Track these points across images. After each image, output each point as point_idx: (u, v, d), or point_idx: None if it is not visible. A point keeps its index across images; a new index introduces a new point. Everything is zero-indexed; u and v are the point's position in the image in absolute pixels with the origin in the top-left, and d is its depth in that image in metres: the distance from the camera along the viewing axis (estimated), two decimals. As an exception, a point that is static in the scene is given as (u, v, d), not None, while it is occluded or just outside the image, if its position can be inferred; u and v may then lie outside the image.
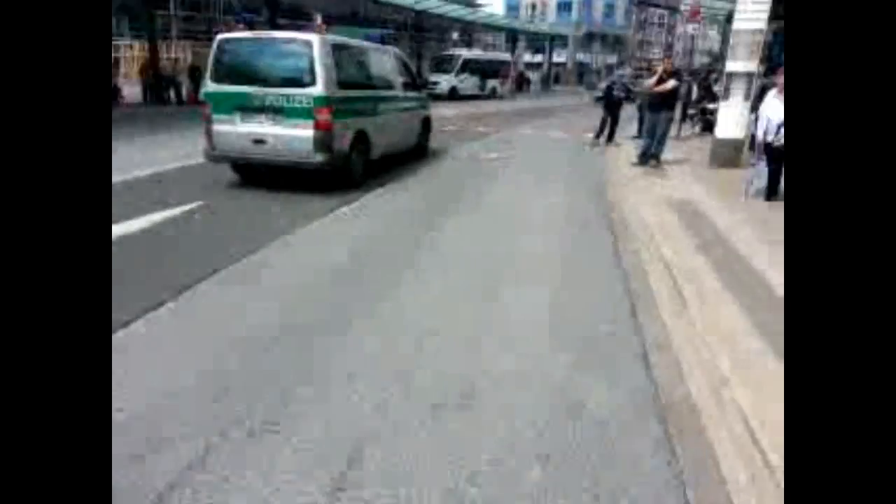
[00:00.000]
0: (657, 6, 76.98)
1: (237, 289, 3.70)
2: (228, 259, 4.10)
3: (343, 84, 6.28)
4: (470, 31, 40.00)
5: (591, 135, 12.07)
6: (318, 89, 5.90)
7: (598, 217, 5.96)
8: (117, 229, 4.55)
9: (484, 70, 29.25)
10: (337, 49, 6.30)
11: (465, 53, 29.02)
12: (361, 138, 6.72)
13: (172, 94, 18.02)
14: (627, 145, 11.64)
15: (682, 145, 10.96)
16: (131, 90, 18.15)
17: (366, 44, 7.48)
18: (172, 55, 23.08)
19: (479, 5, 39.35)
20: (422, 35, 33.45)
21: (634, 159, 8.87)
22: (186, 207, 5.46)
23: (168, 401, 2.36)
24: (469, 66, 27.76)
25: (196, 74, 18.23)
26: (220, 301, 3.49)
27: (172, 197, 5.75)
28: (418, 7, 26.78)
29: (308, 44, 5.95)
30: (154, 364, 2.67)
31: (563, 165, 9.46)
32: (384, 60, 7.82)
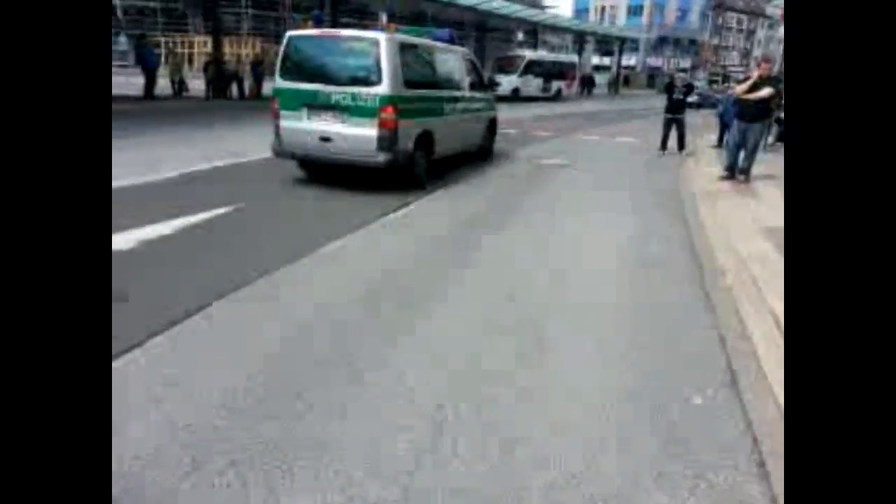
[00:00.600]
0: (736, 10, 73.57)
1: (253, 307, 3.31)
2: (251, 274, 3.72)
3: (410, 83, 6.18)
4: (536, 33, 39.51)
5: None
6: (383, 88, 5.83)
7: (679, 248, 4.91)
8: (171, 224, 4.63)
9: (549, 72, 28.83)
10: (404, 48, 6.22)
11: (528, 54, 28.71)
12: (426, 138, 6.62)
13: (235, 89, 18.56)
14: (708, 154, 10.95)
15: (770, 157, 10.17)
16: (198, 84, 18.85)
17: (434, 43, 7.37)
18: (242, 50, 23.94)
19: (547, 7, 38.89)
20: (485, 35, 33.35)
21: (718, 171, 8.28)
22: (221, 211, 5.13)
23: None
24: (533, 68, 27.41)
25: (258, 70, 18.82)
26: (237, 318, 3.16)
27: (208, 198, 5.48)
28: (483, 7, 26.69)
29: (375, 42, 5.89)
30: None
31: (632, 177, 8.72)
32: (452, 60, 7.72)
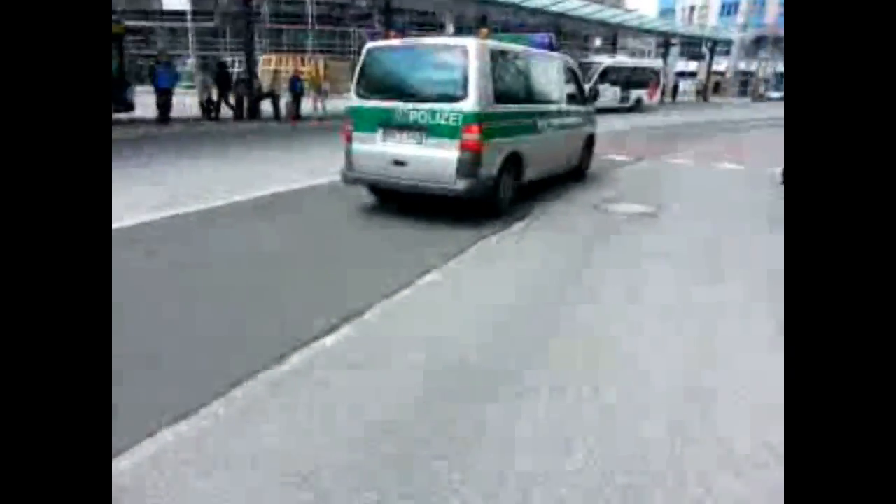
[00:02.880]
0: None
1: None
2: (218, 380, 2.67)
3: (500, 97, 5.70)
4: (615, 37, 38.54)
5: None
6: (469, 104, 5.37)
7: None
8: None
9: (628, 80, 27.76)
10: (496, 57, 5.75)
11: (605, 61, 27.75)
12: (514, 161, 6.10)
13: (271, 107, 17.83)
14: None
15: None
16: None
17: (531, 50, 6.90)
18: (305, 68, 24.42)
19: (629, 11, 37.92)
20: (560, 41, 32.82)
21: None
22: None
23: None
24: (609, 76, 26.42)
25: (299, 86, 18.15)
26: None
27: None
28: (556, 9, 26.09)
29: (464, 51, 5.45)
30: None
31: (760, 244, 5.29)
32: (550, 69, 7.21)
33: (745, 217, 6.45)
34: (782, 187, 7.30)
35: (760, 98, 50.36)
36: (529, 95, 6.52)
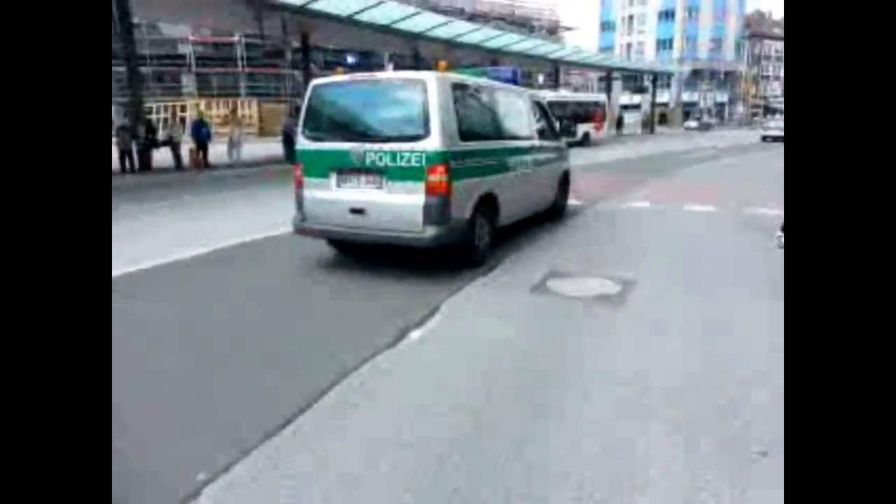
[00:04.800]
0: (774, 38, 75.08)
1: None
2: None
3: (467, 134, 5.42)
4: (557, 72, 40.01)
5: (764, 210, 8.44)
6: (432, 142, 5.04)
7: None
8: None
9: (574, 113, 28.59)
10: (459, 91, 5.50)
11: (548, 95, 28.56)
12: (489, 202, 5.79)
13: (171, 155, 16.56)
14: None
15: None
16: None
17: (495, 84, 6.71)
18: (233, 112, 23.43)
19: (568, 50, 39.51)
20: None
21: None
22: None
23: None
24: (554, 111, 26.88)
25: (202, 132, 16.89)
26: None
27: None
28: (491, 45, 26.67)
29: (422, 85, 5.16)
30: None
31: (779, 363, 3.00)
32: (518, 103, 7.04)
33: (745, 295, 4.70)
34: (779, 236, 6.14)
35: (708, 127, 53.25)
36: (499, 131, 6.28)
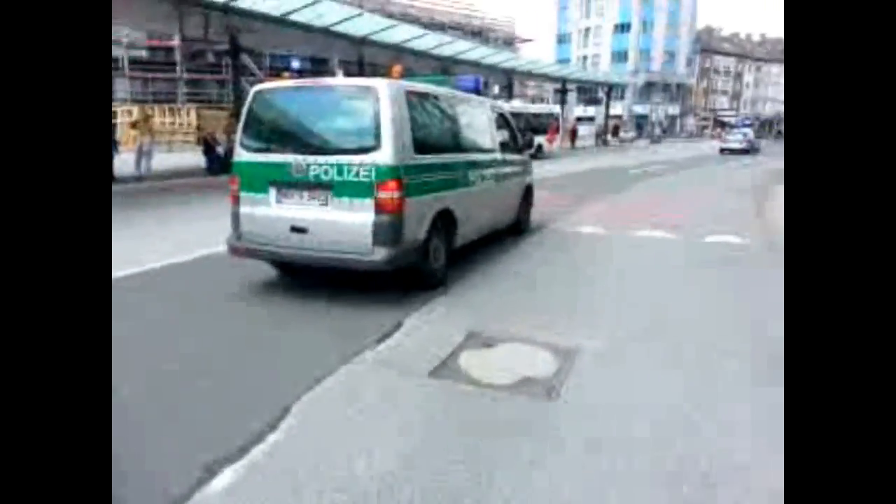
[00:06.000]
0: (723, 53, 78.53)
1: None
2: None
3: (423, 146, 5.11)
4: (511, 83, 40.26)
5: (735, 239, 7.57)
6: (384, 155, 4.70)
7: None
8: None
9: (528, 124, 28.65)
10: (414, 99, 5.19)
11: (504, 106, 28.49)
12: (445, 220, 5.50)
13: None
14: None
15: None
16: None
17: (455, 92, 6.44)
18: (167, 119, 22.13)
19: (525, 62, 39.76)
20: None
21: None
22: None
23: None
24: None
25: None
26: None
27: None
28: (443, 52, 26.33)
29: (374, 93, 4.82)
30: None
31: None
32: (480, 114, 6.80)
33: (729, 376, 3.52)
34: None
35: (659, 140, 54.84)
36: (457, 144, 6.00)
